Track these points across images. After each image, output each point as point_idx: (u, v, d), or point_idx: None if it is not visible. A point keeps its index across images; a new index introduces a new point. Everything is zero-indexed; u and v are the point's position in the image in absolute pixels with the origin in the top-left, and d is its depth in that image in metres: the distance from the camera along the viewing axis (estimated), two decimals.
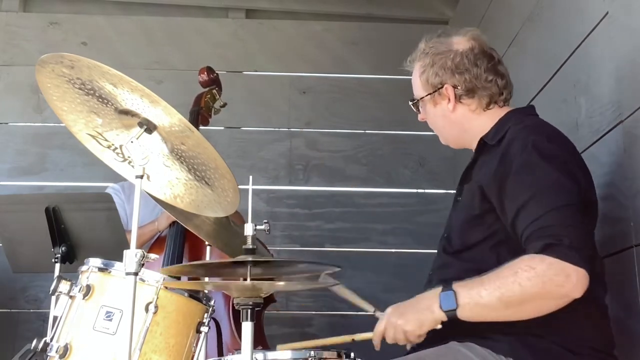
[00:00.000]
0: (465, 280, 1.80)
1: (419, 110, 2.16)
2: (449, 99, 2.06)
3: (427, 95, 2.10)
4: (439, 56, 2.07)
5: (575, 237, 1.72)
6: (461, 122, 2.09)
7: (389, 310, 1.89)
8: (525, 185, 1.82)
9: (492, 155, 1.97)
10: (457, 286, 1.79)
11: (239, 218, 2.86)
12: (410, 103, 2.17)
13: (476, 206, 1.91)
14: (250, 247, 1.63)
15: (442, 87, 2.06)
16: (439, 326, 1.81)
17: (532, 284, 1.70)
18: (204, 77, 3.32)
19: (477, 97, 2.05)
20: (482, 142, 2.04)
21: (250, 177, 1.71)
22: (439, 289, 1.81)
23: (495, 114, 2.07)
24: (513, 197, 1.82)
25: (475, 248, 1.92)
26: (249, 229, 1.65)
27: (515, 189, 1.83)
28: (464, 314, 1.77)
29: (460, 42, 2.08)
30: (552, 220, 1.75)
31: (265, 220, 1.74)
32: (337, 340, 2.02)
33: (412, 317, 1.82)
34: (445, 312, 1.78)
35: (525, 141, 1.87)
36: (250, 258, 1.56)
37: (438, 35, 2.13)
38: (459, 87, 2.05)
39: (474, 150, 2.11)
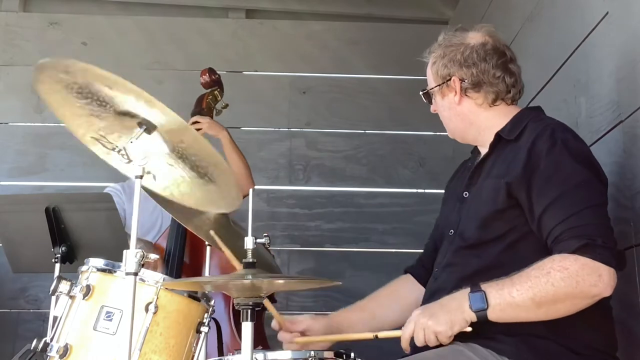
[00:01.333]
0: (493, 280, 1.79)
1: (430, 101, 2.17)
2: (456, 92, 2.07)
3: (436, 87, 2.11)
4: (450, 48, 2.08)
5: (607, 236, 1.75)
6: (467, 115, 2.09)
7: (416, 312, 1.86)
8: (555, 182, 1.82)
9: (510, 150, 1.97)
10: (485, 286, 1.78)
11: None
12: (421, 93, 2.18)
13: (500, 202, 1.89)
14: (250, 260, 1.63)
15: (450, 79, 2.07)
16: (469, 329, 1.79)
17: (566, 285, 1.70)
18: (206, 78, 3.32)
19: (483, 91, 2.05)
20: (498, 137, 2.03)
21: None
22: (467, 289, 1.80)
23: (505, 111, 2.07)
24: (542, 193, 1.83)
25: (493, 243, 1.91)
26: (248, 243, 1.65)
27: (544, 186, 1.83)
28: (494, 315, 1.76)
29: (474, 37, 2.09)
30: (584, 219, 1.76)
31: (266, 234, 1.74)
32: (359, 336, 2.00)
33: (442, 318, 1.79)
34: (475, 312, 1.76)
35: (553, 138, 1.88)
36: (250, 276, 1.56)
37: (456, 29, 2.14)
38: (465, 80, 2.05)
39: (480, 146, 2.12)
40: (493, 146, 2.04)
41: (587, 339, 1.83)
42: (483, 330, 1.81)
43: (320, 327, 2.14)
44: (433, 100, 2.16)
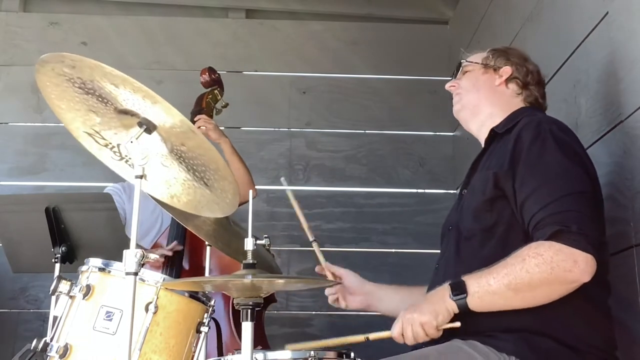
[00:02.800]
0: (475, 272, 1.81)
1: (457, 74, 2.23)
2: (500, 76, 2.15)
3: (483, 64, 2.19)
4: (515, 56, 2.19)
5: (583, 224, 1.75)
6: (495, 92, 2.15)
7: (403, 310, 1.88)
8: (536, 172, 1.85)
9: (502, 143, 2.01)
10: (466, 277, 1.81)
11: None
12: (461, 61, 2.24)
13: (487, 191, 1.92)
14: (250, 262, 1.63)
15: (501, 68, 2.16)
16: (458, 324, 1.80)
17: (540, 270, 1.72)
18: (206, 77, 3.32)
19: (526, 90, 2.15)
20: (492, 132, 2.08)
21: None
22: (449, 281, 1.83)
23: (512, 106, 2.12)
24: (524, 183, 1.85)
25: (487, 235, 1.93)
26: (249, 244, 1.65)
27: (526, 175, 1.86)
28: (474, 303, 1.78)
29: None
30: (560, 207, 1.77)
31: (266, 235, 1.75)
32: (349, 340, 2.00)
33: (426, 309, 1.82)
34: (455, 300, 1.79)
35: (538, 129, 1.91)
36: (250, 276, 1.56)
37: None
38: (517, 76, 2.15)
39: (482, 141, 2.15)
40: (488, 142, 2.10)
41: (586, 337, 1.83)
42: (482, 328, 1.81)
43: (356, 285, 2.31)
44: (460, 74, 2.21)
